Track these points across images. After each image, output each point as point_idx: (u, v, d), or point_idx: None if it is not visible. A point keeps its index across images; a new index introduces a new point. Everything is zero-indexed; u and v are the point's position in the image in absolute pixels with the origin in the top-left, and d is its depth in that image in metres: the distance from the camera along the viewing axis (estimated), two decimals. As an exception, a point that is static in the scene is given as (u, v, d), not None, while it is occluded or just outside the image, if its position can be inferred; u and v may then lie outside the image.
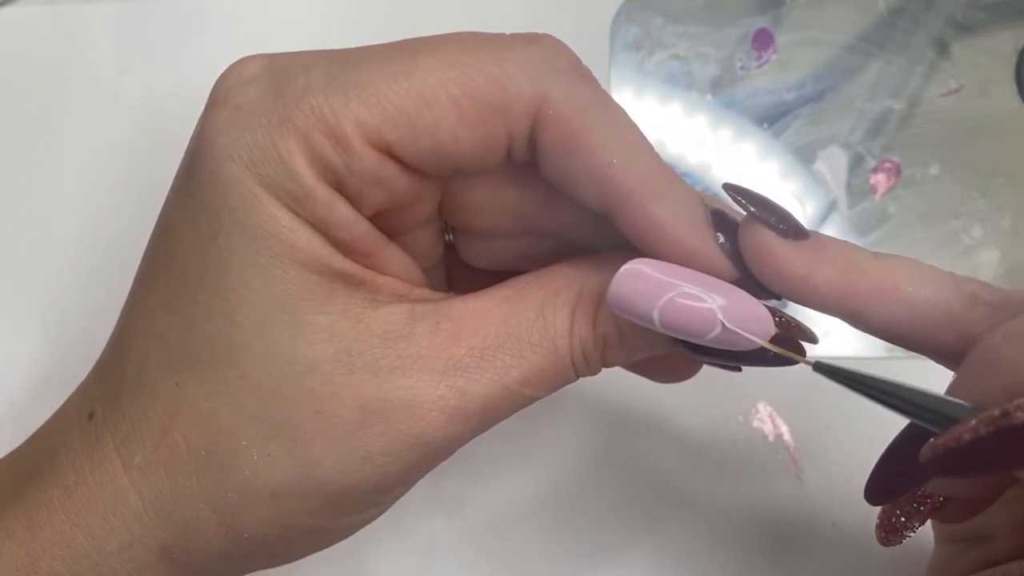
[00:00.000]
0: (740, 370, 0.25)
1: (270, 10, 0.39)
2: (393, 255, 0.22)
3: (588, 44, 0.36)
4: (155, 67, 0.38)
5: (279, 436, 0.20)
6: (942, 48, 0.36)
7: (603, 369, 0.23)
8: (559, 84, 0.20)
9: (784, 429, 0.33)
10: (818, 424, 0.32)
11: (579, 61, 0.21)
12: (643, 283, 0.20)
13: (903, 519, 0.23)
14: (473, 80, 0.20)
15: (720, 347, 0.20)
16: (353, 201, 0.20)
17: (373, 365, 0.20)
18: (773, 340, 0.20)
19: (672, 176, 0.21)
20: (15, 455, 0.23)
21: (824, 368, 0.19)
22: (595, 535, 0.32)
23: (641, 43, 0.37)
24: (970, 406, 0.18)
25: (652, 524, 0.32)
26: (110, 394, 0.22)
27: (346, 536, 0.23)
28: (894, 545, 0.23)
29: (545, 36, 0.21)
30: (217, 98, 0.20)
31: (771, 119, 0.36)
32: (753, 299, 0.20)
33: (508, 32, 0.21)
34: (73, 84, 0.38)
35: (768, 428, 0.33)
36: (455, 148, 0.20)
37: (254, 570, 0.23)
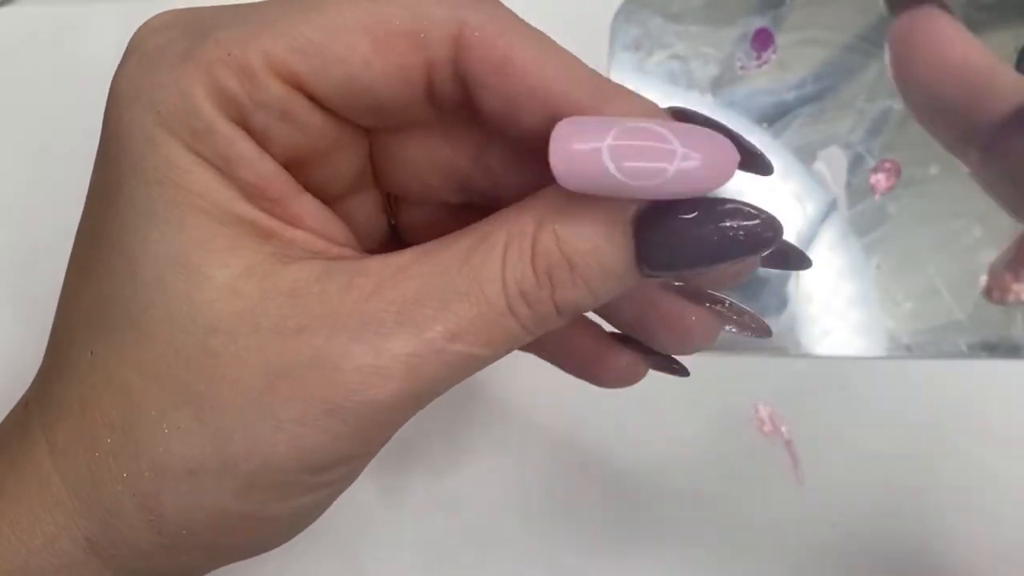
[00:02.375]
0: (686, 372, 0.24)
1: (270, 10, 0.39)
2: (309, 206, 0.20)
3: (588, 44, 0.36)
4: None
5: (186, 405, 0.19)
6: (942, 48, 0.36)
7: (565, 321, 0.20)
8: (476, 9, 0.19)
9: (784, 429, 0.33)
10: (818, 424, 0.32)
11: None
12: (589, 122, 0.18)
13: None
14: (386, 10, 0.19)
15: (683, 188, 0.18)
16: (259, 139, 0.19)
17: (279, 325, 0.18)
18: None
19: (618, 84, 0.20)
20: None
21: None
22: (595, 535, 0.32)
23: (641, 43, 0.37)
24: None
25: (652, 524, 0.32)
26: (41, 378, 0.21)
27: (288, 531, 0.21)
28: (1003, 304, 0.20)
29: None
30: (127, 50, 0.20)
31: (771, 119, 0.36)
32: (705, 129, 0.18)
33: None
34: (73, 84, 0.38)
35: (768, 428, 0.33)
36: (368, 77, 0.19)
37: (199, 573, 0.21)
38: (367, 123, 0.20)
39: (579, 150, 0.18)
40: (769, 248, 0.19)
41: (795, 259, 0.22)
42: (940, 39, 0.18)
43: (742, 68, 0.36)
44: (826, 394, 0.32)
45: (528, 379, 0.33)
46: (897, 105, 0.35)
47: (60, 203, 0.36)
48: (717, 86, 0.36)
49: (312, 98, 0.19)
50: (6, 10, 0.39)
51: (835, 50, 0.36)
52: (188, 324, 0.19)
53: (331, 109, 0.19)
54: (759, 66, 0.36)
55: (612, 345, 0.24)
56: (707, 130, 0.18)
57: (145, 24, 0.20)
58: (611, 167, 0.17)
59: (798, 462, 0.32)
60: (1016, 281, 0.20)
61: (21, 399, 0.22)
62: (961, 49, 0.18)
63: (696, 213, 0.18)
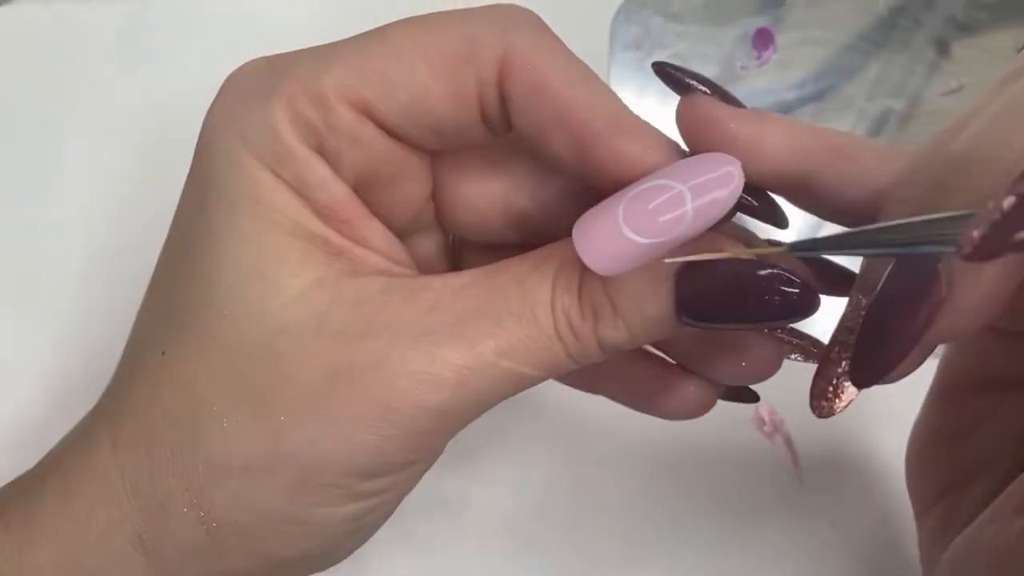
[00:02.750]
0: (758, 398, 0.24)
1: (269, 10, 0.39)
2: (376, 229, 0.21)
3: (588, 44, 0.36)
4: (155, 67, 0.38)
5: (247, 401, 0.20)
6: (942, 47, 0.36)
7: (605, 355, 0.21)
8: (523, 34, 0.20)
9: (784, 429, 0.33)
10: (818, 424, 0.32)
11: (541, 20, 0.21)
12: (597, 210, 0.19)
13: (837, 382, 0.20)
14: (441, 37, 0.20)
15: (709, 218, 0.18)
16: (332, 162, 0.20)
17: (343, 330, 0.20)
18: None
19: (639, 117, 0.20)
20: (44, 457, 0.23)
21: (803, 246, 0.17)
22: (595, 536, 0.32)
23: (641, 43, 0.37)
24: (970, 211, 0.15)
25: (652, 524, 0.32)
26: (114, 380, 0.22)
27: (334, 546, 0.22)
28: (834, 415, 0.20)
29: (510, 3, 0.21)
30: (220, 90, 0.21)
31: (771, 119, 0.36)
32: (709, 162, 0.19)
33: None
34: (73, 84, 0.38)
35: (768, 428, 0.33)
36: (429, 100, 0.20)
37: None
38: (429, 145, 0.22)
39: (601, 239, 0.19)
40: (805, 317, 0.19)
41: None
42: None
43: (742, 68, 0.36)
44: (826, 394, 0.32)
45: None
46: (897, 105, 0.35)
47: (59, 203, 0.36)
48: (717, 86, 0.36)
49: (379, 124, 0.21)
50: (6, 10, 0.39)
51: (835, 50, 0.36)
52: (257, 327, 0.20)
53: (396, 134, 0.21)
54: (759, 66, 0.36)
55: (678, 375, 0.24)
56: (704, 158, 0.19)
57: (237, 68, 0.22)
58: (636, 238, 0.18)
59: (798, 462, 0.32)
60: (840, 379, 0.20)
61: (93, 407, 0.23)
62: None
63: (738, 274, 0.19)
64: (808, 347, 0.22)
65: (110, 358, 0.22)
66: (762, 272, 0.19)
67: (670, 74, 0.20)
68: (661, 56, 0.36)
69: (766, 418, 0.33)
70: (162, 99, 0.37)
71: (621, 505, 0.32)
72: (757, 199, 0.21)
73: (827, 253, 0.18)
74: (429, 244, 0.24)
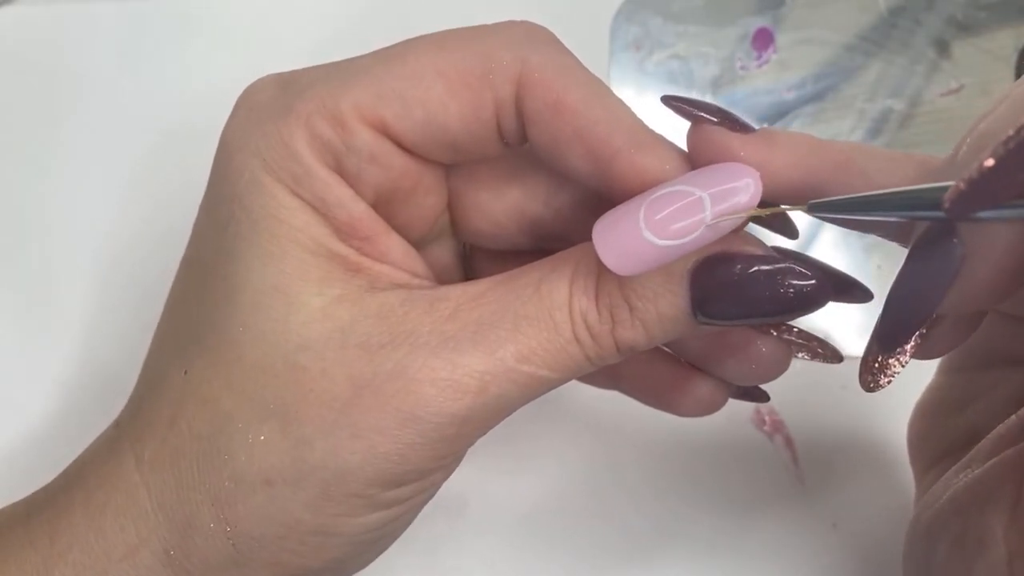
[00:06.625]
0: (768, 398, 0.25)
1: (269, 10, 0.39)
2: (394, 244, 0.22)
3: (588, 44, 0.36)
4: (155, 67, 0.38)
5: (272, 417, 0.20)
6: (942, 48, 0.36)
7: (623, 356, 0.21)
8: (539, 52, 0.21)
9: (784, 429, 0.33)
10: (818, 424, 0.32)
11: (556, 38, 0.21)
12: (617, 212, 0.20)
13: (888, 358, 0.21)
14: (458, 55, 0.20)
15: (727, 225, 0.19)
16: (352, 181, 0.21)
17: (365, 342, 0.20)
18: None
19: (656, 132, 0.21)
20: (66, 470, 0.23)
21: (820, 207, 0.19)
22: (595, 536, 0.32)
23: (641, 43, 0.37)
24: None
25: (652, 524, 0.32)
26: (134, 398, 0.22)
27: (357, 557, 0.22)
28: (879, 389, 0.21)
29: (525, 20, 0.21)
30: (236, 105, 0.22)
31: (771, 119, 0.36)
32: (728, 172, 0.20)
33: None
34: (73, 84, 0.38)
35: (768, 428, 0.33)
36: (445, 117, 0.21)
37: None
38: (446, 159, 0.22)
39: (621, 240, 0.19)
40: (819, 307, 0.20)
41: (860, 293, 0.22)
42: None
43: (742, 68, 0.36)
44: (826, 394, 0.32)
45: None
46: (897, 105, 0.35)
47: (59, 203, 0.36)
48: (717, 86, 0.36)
49: (396, 142, 0.21)
50: (6, 10, 0.39)
51: (835, 50, 0.36)
52: (280, 343, 0.20)
53: (413, 151, 0.21)
54: (759, 66, 0.36)
55: (692, 374, 0.24)
56: (723, 167, 0.19)
57: (252, 84, 0.22)
58: (655, 240, 0.19)
59: (798, 462, 0.32)
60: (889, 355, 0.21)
61: (114, 421, 0.23)
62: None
63: (752, 268, 0.19)
64: (815, 347, 0.23)
65: (120, 365, 0.23)
66: (774, 266, 0.19)
67: (679, 107, 0.21)
68: (661, 56, 0.36)
69: (766, 418, 0.33)
70: (162, 99, 0.37)
71: (619, 505, 0.32)
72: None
73: (843, 213, 0.19)
74: (443, 252, 0.24)
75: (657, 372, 0.24)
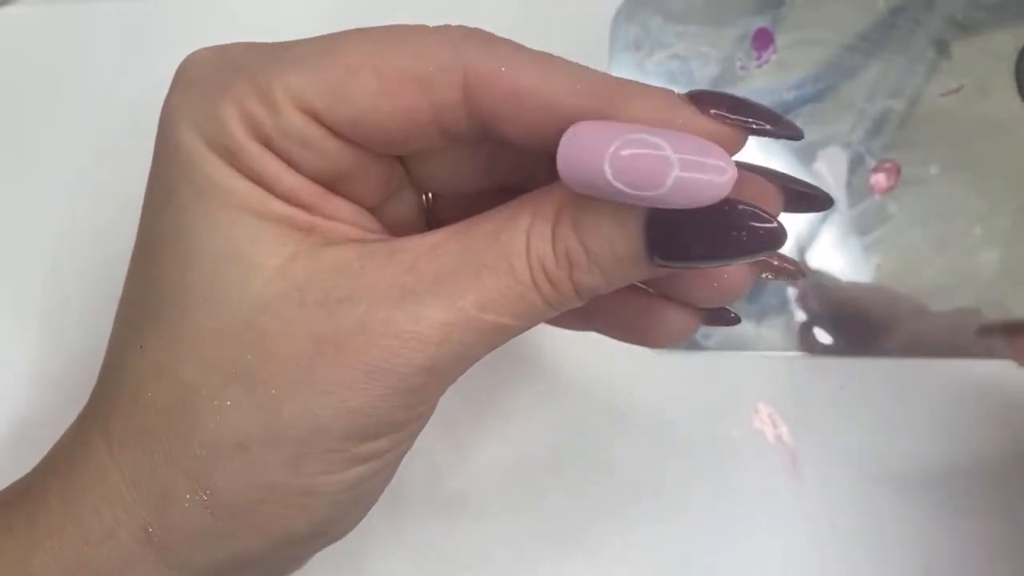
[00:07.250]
0: (738, 320, 0.24)
1: (269, 10, 0.39)
2: (341, 204, 0.22)
3: (588, 44, 0.36)
4: (155, 67, 0.38)
5: (235, 381, 0.20)
6: (942, 48, 0.36)
7: (584, 300, 0.21)
8: (478, 47, 0.20)
9: (784, 429, 0.33)
10: (818, 424, 0.32)
11: (493, 35, 0.21)
12: (591, 133, 0.19)
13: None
14: (395, 54, 0.20)
15: (681, 200, 0.18)
16: (286, 160, 0.21)
17: (324, 299, 0.20)
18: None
19: (629, 82, 0.20)
20: (41, 460, 0.23)
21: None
22: (595, 535, 0.32)
23: (641, 43, 0.37)
24: None
25: (651, 524, 0.32)
26: (97, 382, 0.22)
27: (343, 513, 0.22)
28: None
29: (461, 25, 0.21)
30: (174, 78, 0.22)
31: (771, 119, 0.36)
32: (704, 140, 0.19)
33: (509, 33, 0.21)
34: (73, 84, 0.38)
35: (768, 428, 0.33)
36: (377, 117, 0.20)
37: (258, 564, 0.22)
38: (384, 152, 0.22)
39: (583, 160, 0.18)
40: (774, 249, 0.19)
41: (822, 200, 0.22)
42: None
43: (742, 68, 0.36)
44: (826, 394, 0.32)
45: (529, 379, 0.33)
46: (897, 105, 0.35)
47: (59, 203, 0.36)
48: (717, 86, 0.36)
49: (330, 130, 0.20)
50: (6, 10, 0.39)
51: (835, 50, 0.36)
52: (237, 308, 0.20)
53: (348, 140, 0.21)
54: (759, 66, 0.36)
55: (660, 303, 0.24)
56: (705, 142, 0.19)
57: (188, 57, 0.22)
58: (612, 179, 0.18)
59: (798, 462, 0.32)
60: None
61: (82, 409, 0.23)
62: None
63: (710, 211, 0.19)
64: (777, 265, 0.22)
65: (100, 355, 0.23)
66: (732, 208, 0.19)
67: (732, 120, 0.20)
68: (661, 56, 0.36)
69: (766, 418, 0.33)
70: (162, 99, 0.37)
71: (619, 505, 0.32)
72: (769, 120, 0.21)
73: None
74: (403, 205, 0.24)
75: (626, 304, 0.24)
